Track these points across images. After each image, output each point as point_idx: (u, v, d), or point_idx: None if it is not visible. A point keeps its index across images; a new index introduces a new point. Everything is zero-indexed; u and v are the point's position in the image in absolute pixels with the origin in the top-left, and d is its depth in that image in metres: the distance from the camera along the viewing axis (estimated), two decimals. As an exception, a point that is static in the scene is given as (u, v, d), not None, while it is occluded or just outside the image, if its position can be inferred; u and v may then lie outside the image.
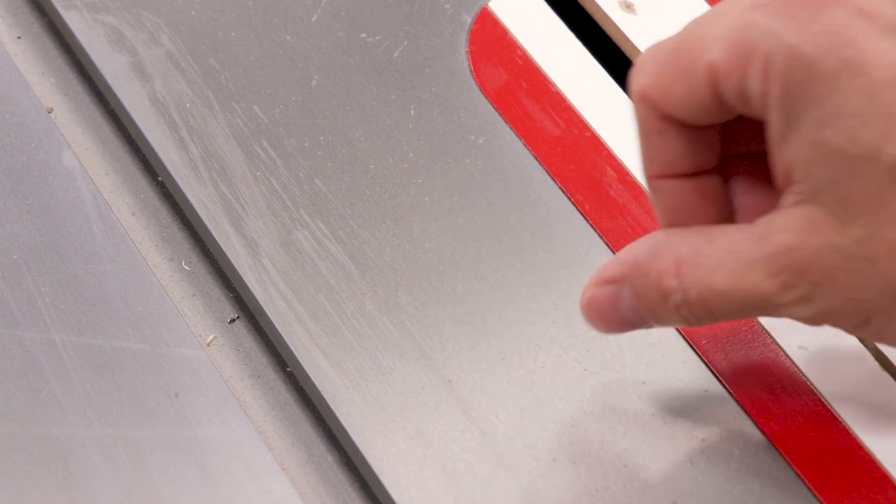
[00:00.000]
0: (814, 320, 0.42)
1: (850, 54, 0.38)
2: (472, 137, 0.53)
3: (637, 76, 0.42)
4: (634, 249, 0.43)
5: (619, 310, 0.44)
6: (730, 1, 0.41)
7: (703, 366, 0.47)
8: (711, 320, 0.42)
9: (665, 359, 0.47)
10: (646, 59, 0.42)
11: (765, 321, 0.48)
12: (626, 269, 0.43)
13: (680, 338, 0.48)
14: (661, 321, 0.43)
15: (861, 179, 0.38)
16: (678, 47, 0.41)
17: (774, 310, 0.41)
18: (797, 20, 0.39)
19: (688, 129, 0.42)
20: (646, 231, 0.50)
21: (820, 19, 0.39)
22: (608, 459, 0.45)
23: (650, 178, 0.44)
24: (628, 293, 0.43)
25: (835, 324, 0.42)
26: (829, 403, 0.47)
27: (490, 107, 0.54)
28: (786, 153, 0.40)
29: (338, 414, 0.46)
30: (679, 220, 0.43)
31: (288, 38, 0.56)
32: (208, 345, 0.50)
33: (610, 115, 0.54)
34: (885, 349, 0.48)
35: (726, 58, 0.40)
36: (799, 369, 0.47)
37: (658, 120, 0.42)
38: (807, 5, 0.39)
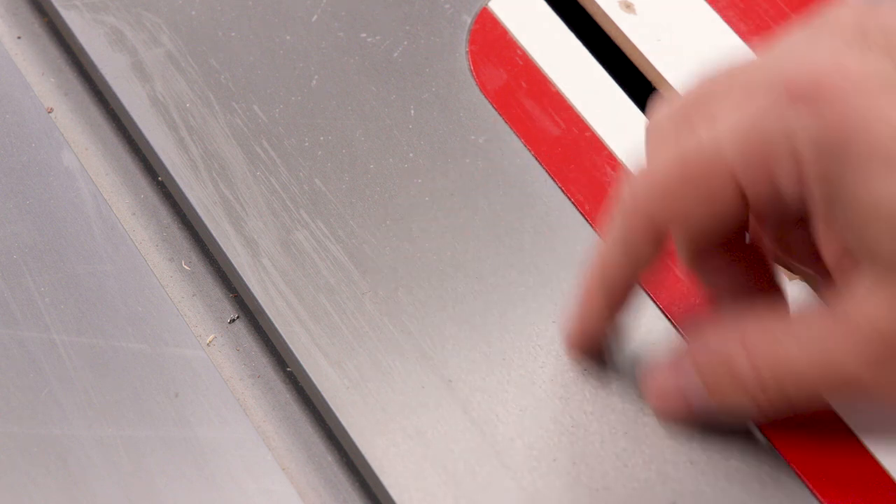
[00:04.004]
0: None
1: (875, 112, 0.37)
2: (472, 137, 0.53)
3: (640, 197, 0.41)
4: (701, 331, 0.42)
5: (686, 394, 0.42)
6: (704, 95, 0.41)
7: (703, 366, 0.47)
8: (787, 405, 0.40)
9: (665, 359, 0.47)
10: (646, 178, 0.41)
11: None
12: (691, 347, 0.42)
13: (680, 338, 0.48)
14: (732, 406, 0.41)
15: None
16: (684, 162, 0.40)
17: (865, 394, 0.39)
18: (809, 102, 0.38)
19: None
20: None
21: (828, 95, 0.38)
22: (608, 459, 0.45)
23: (608, 283, 0.43)
24: (694, 375, 0.42)
25: None
26: (829, 404, 0.47)
27: (490, 107, 0.54)
28: (836, 233, 0.39)
29: (338, 414, 0.46)
30: None
31: (288, 38, 0.56)
32: (208, 345, 0.50)
33: (610, 115, 0.54)
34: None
35: (746, 162, 0.39)
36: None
37: (651, 239, 0.41)
38: (809, 86, 0.38)
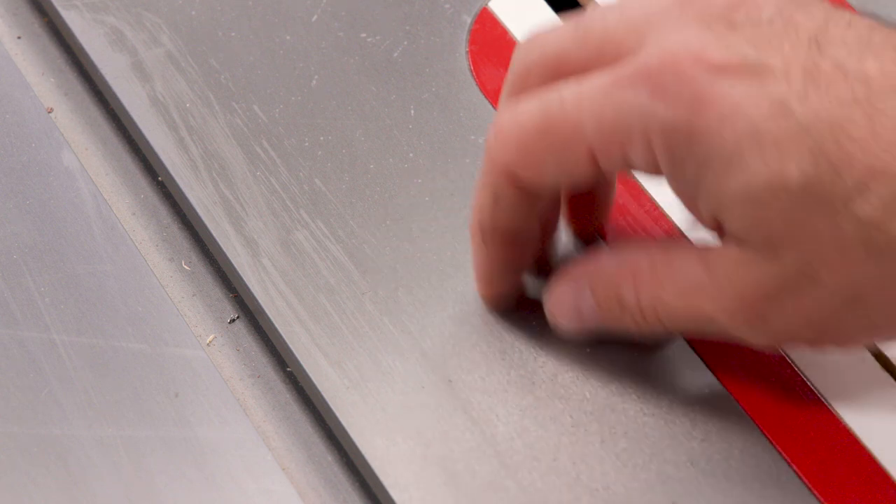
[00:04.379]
0: (767, 346, 0.44)
1: (723, 107, 0.39)
2: (472, 137, 0.53)
3: (501, 151, 0.43)
4: (599, 252, 0.46)
5: (580, 310, 0.46)
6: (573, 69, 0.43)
7: (703, 366, 0.47)
8: (663, 330, 0.44)
9: (665, 359, 0.47)
10: (508, 134, 0.43)
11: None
12: (589, 271, 0.45)
13: (680, 338, 0.48)
14: (617, 325, 0.45)
15: (775, 211, 0.40)
16: (545, 128, 0.42)
17: (725, 334, 0.43)
18: (663, 92, 0.40)
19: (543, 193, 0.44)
20: (645, 230, 0.50)
21: (683, 86, 0.40)
22: (608, 459, 0.45)
23: (487, 234, 0.46)
24: (588, 295, 0.45)
25: (789, 344, 0.44)
26: (829, 404, 0.47)
27: (490, 107, 0.54)
28: (700, 209, 0.41)
29: (338, 414, 0.46)
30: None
31: (288, 38, 0.56)
32: (208, 345, 0.50)
33: (610, 115, 0.54)
34: (885, 349, 0.48)
35: (602, 140, 0.41)
36: (799, 369, 0.47)
37: (516, 192, 0.44)
38: (667, 74, 0.40)
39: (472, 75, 0.55)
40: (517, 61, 0.44)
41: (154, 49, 0.55)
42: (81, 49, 0.56)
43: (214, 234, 0.51)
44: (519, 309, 0.48)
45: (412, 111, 0.54)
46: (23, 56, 0.57)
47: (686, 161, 0.40)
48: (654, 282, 0.43)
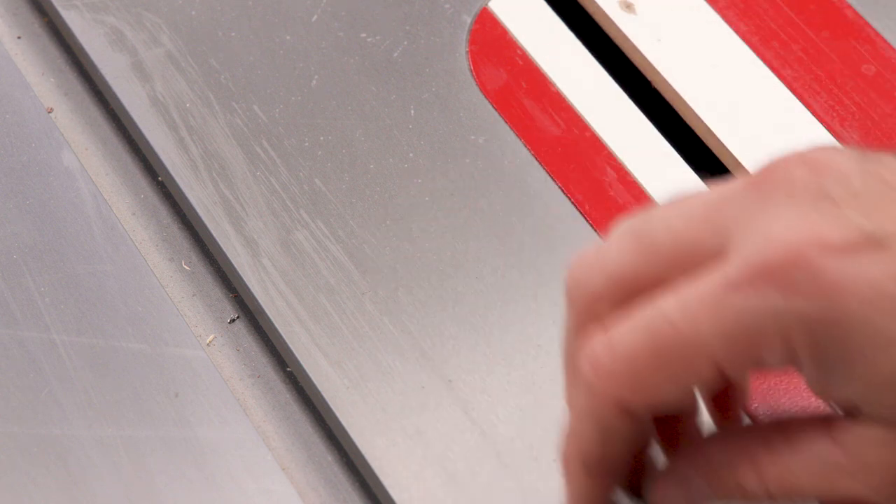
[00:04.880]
0: None
1: (864, 290, 0.36)
2: (472, 137, 0.53)
3: (607, 384, 0.39)
4: (703, 445, 0.42)
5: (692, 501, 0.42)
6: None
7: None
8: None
9: (665, 359, 0.47)
10: (613, 363, 0.39)
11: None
12: (699, 463, 0.42)
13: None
14: None
15: None
16: (657, 351, 0.38)
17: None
18: (796, 287, 0.37)
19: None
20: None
21: (815, 276, 0.37)
22: (608, 459, 0.45)
23: (594, 469, 0.42)
24: (703, 487, 0.41)
25: None
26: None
27: (490, 107, 0.54)
28: (836, 395, 0.39)
29: (338, 414, 0.46)
30: None
31: (288, 38, 0.56)
32: (208, 345, 0.50)
33: (610, 114, 0.54)
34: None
35: (731, 351, 0.38)
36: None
37: (628, 421, 0.40)
38: (792, 267, 0.37)
39: (472, 75, 0.55)
40: (577, 292, 0.41)
41: (154, 49, 0.55)
42: (81, 49, 0.56)
43: (214, 234, 0.51)
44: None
45: (412, 111, 0.54)
46: (23, 56, 0.57)
47: (831, 351, 0.37)
48: (779, 465, 0.40)
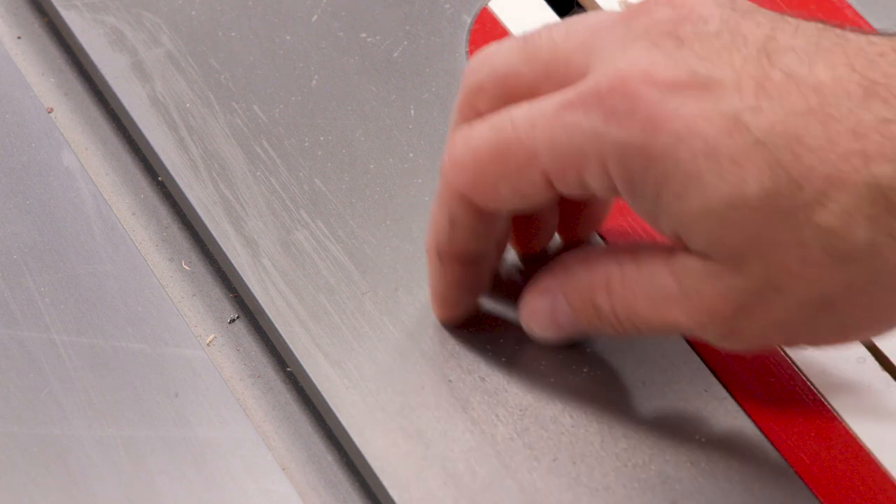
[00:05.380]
0: (741, 351, 0.45)
1: (677, 126, 0.39)
2: (472, 137, 0.53)
3: (456, 175, 0.43)
4: (568, 260, 0.45)
5: (556, 319, 0.46)
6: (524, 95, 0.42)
7: (703, 366, 0.47)
8: (640, 335, 0.44)
9: (665, 359, 0.47)
10: (462, 158, 0.43)
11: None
12: (561, 281, 0.45)
13: (680, 338, 0.48)
14: (595, 331, 0.45)
15: (737, 226, 0.39)
16: (499, 152, 0.42)
17: (698, 338, 0.43)
18: (616, 115, 0.40)
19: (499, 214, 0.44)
20: (646, 231, 0.50)
21: (635, 107, 0.39)
22: (608, 459, 0.45)
23: (444, 256, 0.46)
24: (563, 304, 0.45)
25: (762, 348, 0.44)
26: (829, 403, 0.47)
27: (490, 107, 0.54)
28: (661, 227, 0.41)
29: (338, 414, 0.46)
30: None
31: (288, 38, 0.56)
32: (208, 345, 0.50)
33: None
34: (884, 349, 0.48)
35: (557, 164, 0.41)
36: (799, 369, 0.47)
37: (472, 215, 0.44)
38: (618, 96, 0.40)
39: (472, 75, 0.55)
40: (467, 79, 0.44)
41: (154, 49, 0.55)
42: (81, 49, 0.56)
43: (214, 234, 0.51)
44: (477, 328, 0.48)
45: (412, 111, 0.54)
46: (23, 56, 0.57)
47: (643, 183, 0.40)
48: (626, 291, 0.43)
